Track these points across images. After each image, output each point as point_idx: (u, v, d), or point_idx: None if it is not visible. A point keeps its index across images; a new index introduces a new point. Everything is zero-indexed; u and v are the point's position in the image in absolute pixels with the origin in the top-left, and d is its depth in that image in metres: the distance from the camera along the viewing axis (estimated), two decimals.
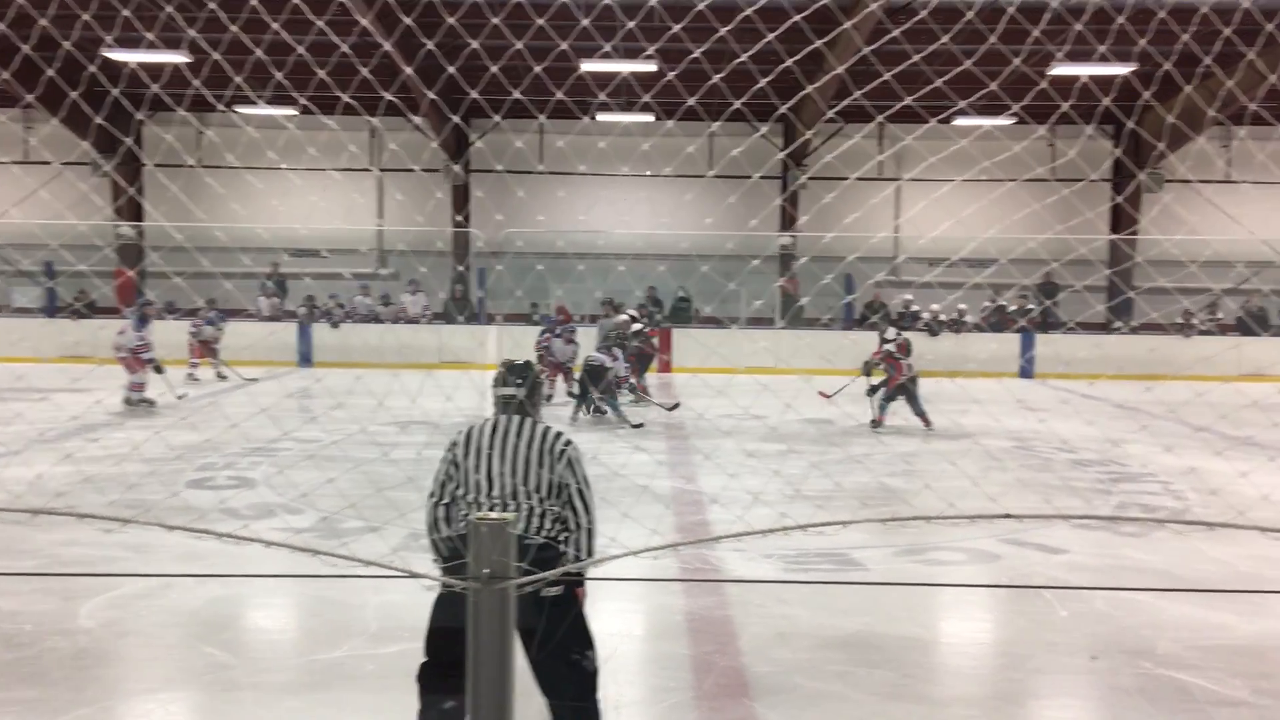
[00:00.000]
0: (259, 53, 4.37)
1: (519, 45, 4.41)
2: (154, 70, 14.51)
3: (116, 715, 4.37)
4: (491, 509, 3.56)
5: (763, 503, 7.57)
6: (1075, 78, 12.23)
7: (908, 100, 4.53)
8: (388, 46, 14.89)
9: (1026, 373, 18.98)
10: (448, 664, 3.15)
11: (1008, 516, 2.36)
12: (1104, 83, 14.88)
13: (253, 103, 16.02)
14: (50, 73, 4.76)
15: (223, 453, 9.81)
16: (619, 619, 5.66)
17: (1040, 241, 15.59)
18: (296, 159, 20.01)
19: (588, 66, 14.77)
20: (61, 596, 5.59)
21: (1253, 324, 19.67)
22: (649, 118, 19.36)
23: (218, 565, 6.15)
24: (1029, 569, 6.59)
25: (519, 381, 3.80)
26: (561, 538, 3.60)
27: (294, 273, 21.86)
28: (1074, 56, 14.40)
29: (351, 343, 19.24)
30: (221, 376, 16.75)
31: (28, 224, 20.42)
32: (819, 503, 7.74)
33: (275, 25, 4.43)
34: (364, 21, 14.88)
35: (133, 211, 22.91)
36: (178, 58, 13.76)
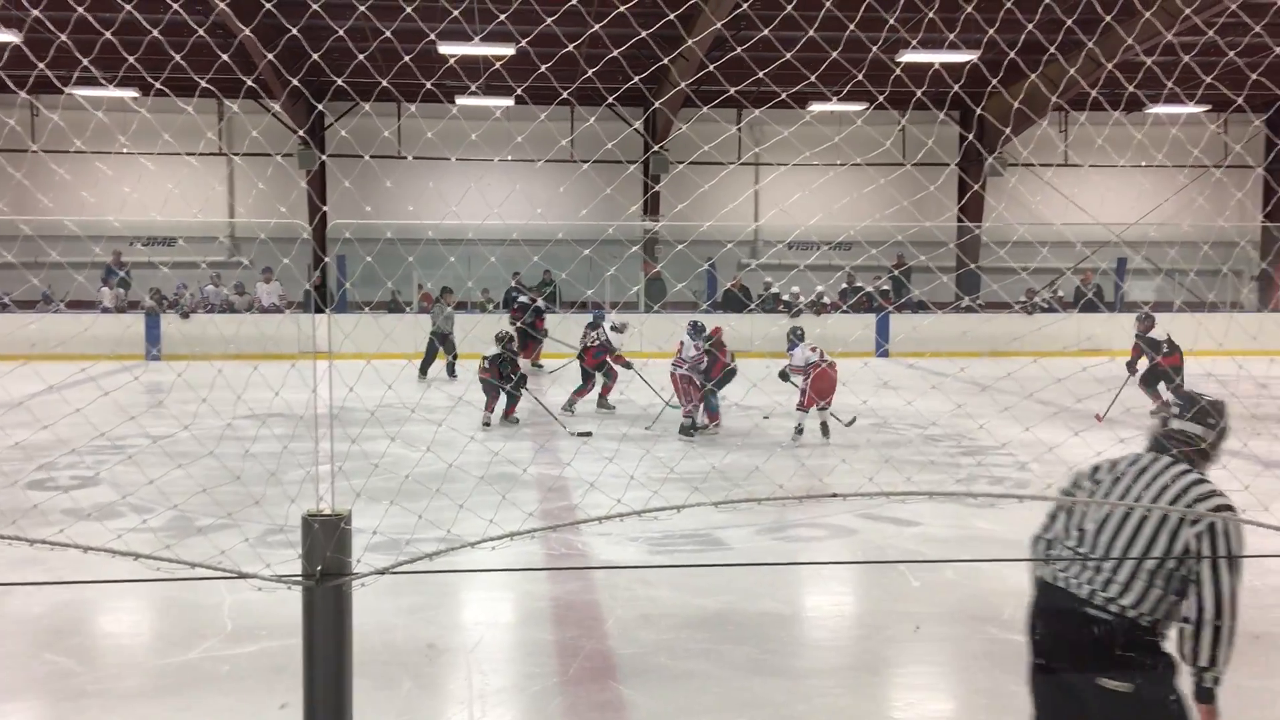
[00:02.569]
0: (107, 35, 4.17)
1: (387, 32, 4.32)
2: None
3: None
4: (1083, 568, 2.91)
5: (637, 485, 7.62)
6: (926, 65, 12.61)
7: (762, 73, 4.61)
8: (247, 32, 14.36)
9: (883, 352, 19.58)
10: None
11: (835, 496, 2.43)
12: (953, 70, 15.40)
13: (98, 85, 15.30)
14: None
15: (67, 448, 9.34)
16: (484, 607, 5.65)
17: (893, 224, 16.09)
18: (148, 145, 19.18)
19: (446, 49, 14.56)
20: None
21: (1093, 301, 20.71)
22: (508, 101, 19.20)
23: (59, 569, 5.87)
24: (884, 542, 6.82)
25: (1210, 422, 2.96)
26: (1162, 628, 2.77)
27: (140, 261, 21.01)
28: (925, 44, 14.89)
29: (204, 333, 18.58)
30: None
31: None
32: (695, 483, 7.83)
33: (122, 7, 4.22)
34: (221, 5, 14.32)
35: None
36: (11, 37, 13.03)
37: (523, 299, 17.21)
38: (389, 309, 19.26)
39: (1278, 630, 5.22)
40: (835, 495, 2.46)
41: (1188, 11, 7.32)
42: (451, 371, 16.14)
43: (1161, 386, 11.72)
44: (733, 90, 5.61)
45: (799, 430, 10.48)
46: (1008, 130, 20.35)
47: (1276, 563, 5.45)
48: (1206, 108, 19.86)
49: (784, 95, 5.85)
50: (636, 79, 4.14)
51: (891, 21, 5.05)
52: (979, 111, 6.14)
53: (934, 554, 6.58)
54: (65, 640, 5.02)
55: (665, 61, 4.52)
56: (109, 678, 4.61)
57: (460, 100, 18.91)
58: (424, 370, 15.97)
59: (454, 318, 16.26)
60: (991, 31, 5.29)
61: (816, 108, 18.17)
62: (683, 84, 17.76)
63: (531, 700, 4.38)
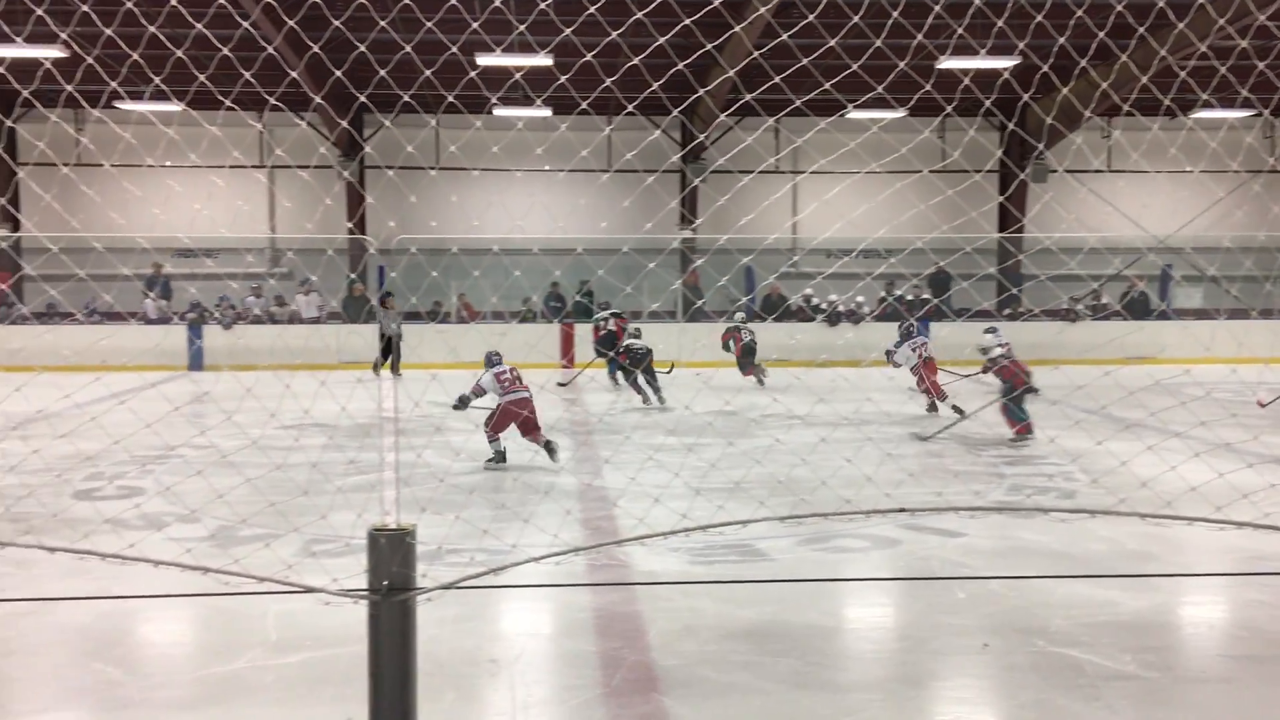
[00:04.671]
0: (135, 55, 4.22)
1: (408, 45, 4.35)
2: (27, 66, 13.95)
3: None
4: None
5: (671, 496, 7.60)
6: (963, 73, 12.53)
7: (799, 101, 4.59)
8: (280, 40, 14.53)
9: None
10: None
11: (902, 510, 2.40)
12: (990, 77, 15.30)
13: (134, 99, 15.52)
14: None
15: (111, 460, 9.46)
16: (525, 617, 5.64)
17: (934, 232, 15.93)
18: (182, 159, 19.44)
19: (483, 61, 14.64)
20: None
21: (1135, 310, 20.44)
22: (546, 113, 19.25)
23: (104, 580, 5.92)
24: (928, 553, 6.75)
25: None
26: None
27: (180, 274, 21.28)
28: (960, 51, 14.78)
29: (244, 345, 18.78)
30: None
31: None
32: (722, 498, 7.80)
33: (147, 26, 4.28)
34: (253, 14, 14.51)
35: (6, 214, 22.00)
36: (51, 53, 13.24)
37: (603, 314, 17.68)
38: (432, 318, 19.40)
39: None
40: (903, 510, 2.43)
41: (1220, 22, 7.21)
42: (376, 368, 17.22)
43: None
44: (774, 119, 5.58)
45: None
46: (1041, 142, 20.14)
47: None
48: (1251, 111, 19.58)
49: (805, 109, 5.81)
50: (702, 90, 4.13)
51: (913, 36, 5.02)
52: (1011, 125, 6.08)
53: (979, 566, 6.50)
54: (111, 650, 5.07)
55: (702, 94, 4.50)
56: (154, 687, 4.64)
57: (498, 111, 18.99)
58: (376, 368, 17.23)
59: (400, 320, 17.89)
60: (1021, 45, 5.25)
61: (854, 116, 18.07)
62: (720, 114, 17.74)
63: (574, 712, 4.36)
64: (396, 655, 2.00)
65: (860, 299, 20.51)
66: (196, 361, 18.99)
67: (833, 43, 4.07)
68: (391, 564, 1.98)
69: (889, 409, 12.40)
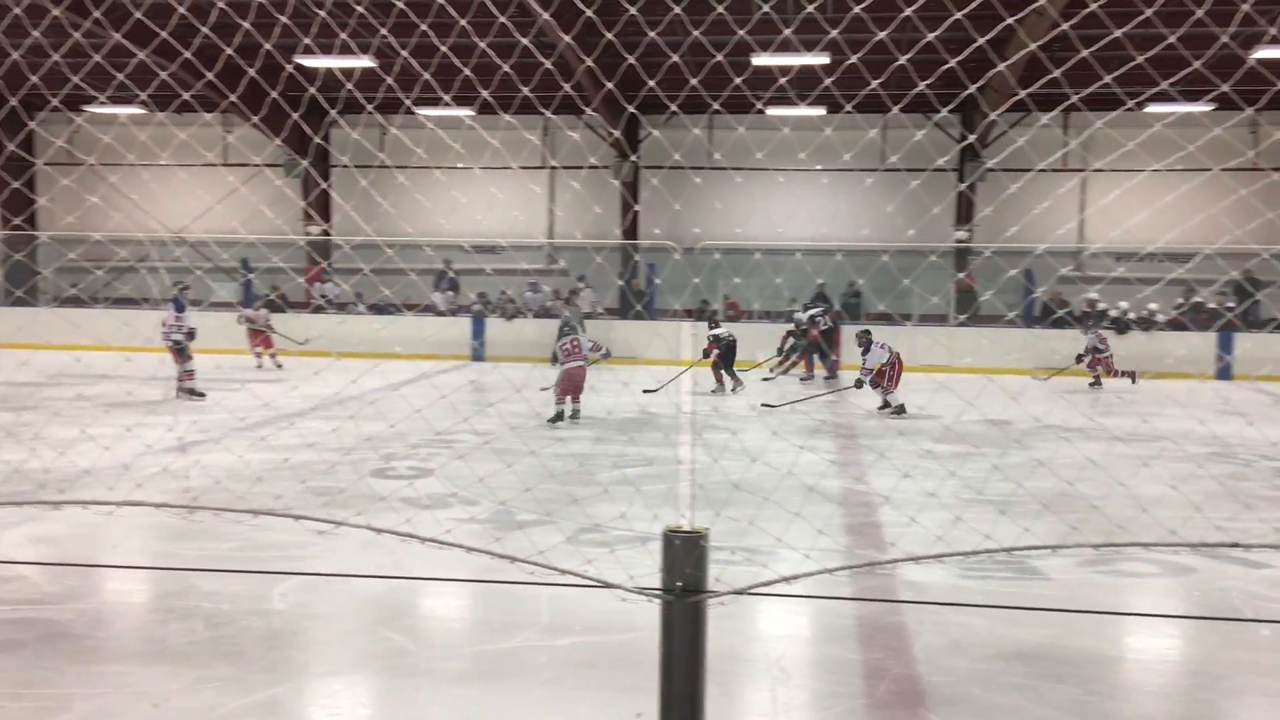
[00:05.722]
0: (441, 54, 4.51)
1: (695, 35, 4.40)
2: (344, 74, 15.20)
3: (306, 695, 4.59)
4: None
5: (939, 505, 7.36)
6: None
7: (1096, 85, 4.30)
8: (567, 40, 15.15)
9: (1224, 374, 17.86)
10: None
11: (1235, 546, 2.20)
12: None
13: (433, 104, 16.59)
14: (252, 74, 5.04)
15: (404, 442, 10.17)
16: (786, 620, 5.60)
17: (1244, 234, 14.63)
18: (476, 159, 20.61)
19: (760, 60, 14.67)
20: (256, 578, 5.90)
21: None
22: (820, 111, 19.09)
23: (397, 553, 6.36)
24: (1226, 584, 6.19)
25: None
26: None
27: (468, 269, 22.59)
28: (1277, 41, 13.46)
29: (522, 337, 19.73)
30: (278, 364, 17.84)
31: (228, 221, 21.67)
32: (1000, 507, 7.47)
33: (461, 23, 4.56)
34: (545, 15, 15.18)
35: (321, 209, 24.11)
36: (365, 62, 14.37)
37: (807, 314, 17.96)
38: (701, 317, 19.69)
39: None
40: (1236, 545, 2.23)
41: None
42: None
43: None
44: (1072, 98, 5.27)
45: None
46: None
47: None
48: None
49: (1121, 94, 5.44)
50: (967, 91, 3.97)
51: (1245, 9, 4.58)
52: None
53: None
54: (400, 620, 5.44)
55: (1001, 66, 4.32)
56: (438, 658, 4.95)
57: (770, 111, 19.01)
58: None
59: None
60: None
61: (1155, 108, 16.82)
62: (1002, 105, 16.98)
63: (837, 719, 4.30)
64: (688, 656, 2.03)
65: (1153, 305, 19.12)
66: (478, 352, 20.12)
67: (1118, 34, 3.79)
68: (685, 565, 2.01)
69: (1187, 424, 11.47)
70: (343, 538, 6.63)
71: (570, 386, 11.68)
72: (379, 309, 20.76)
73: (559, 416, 11.55)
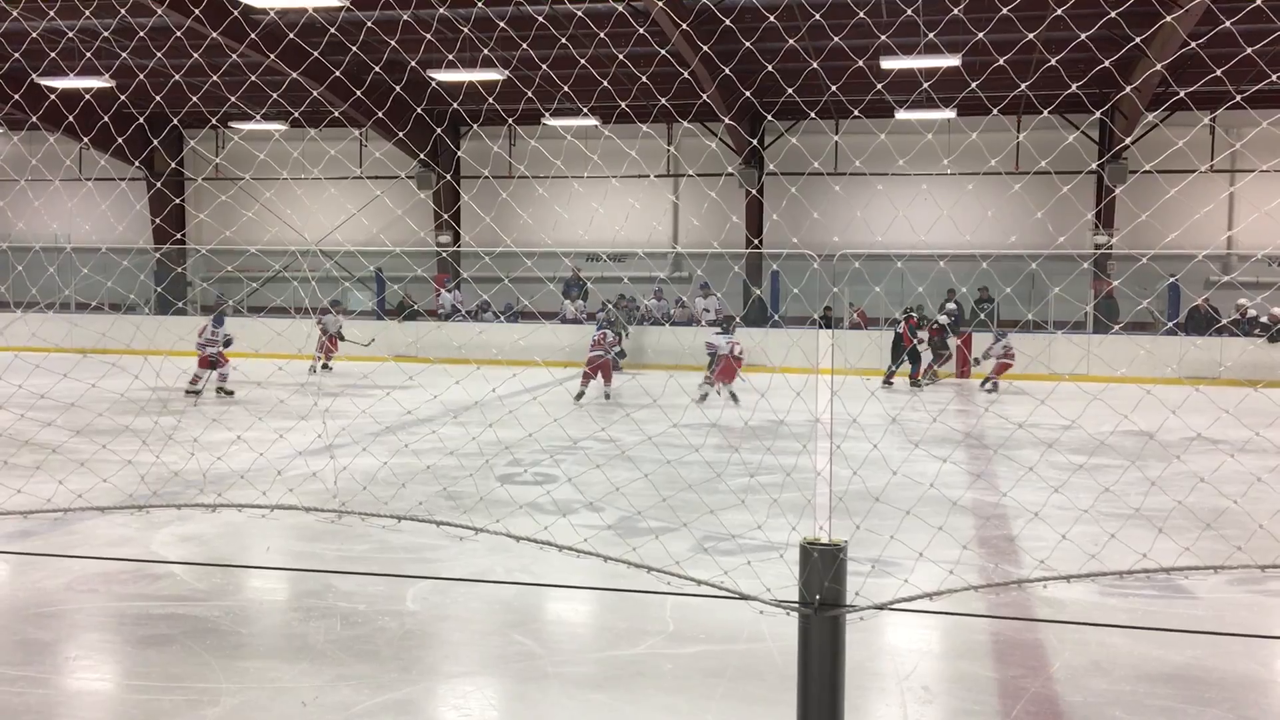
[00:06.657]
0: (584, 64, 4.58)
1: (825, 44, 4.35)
2: (473, 88, 15.54)
3: (438, 696, 4.69)
4: None
5: (1074, 520, 7.10)
6: None
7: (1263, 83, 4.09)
8: (705, 49, 15.20)
9: None
10: None
11: None
12: None
13: (565, 115, 16.83)
14: (398, 90, 5.21)
15: (529, 449, 10.30)
16: (918, 633, 5.48)
17: None
18: (598, 170, 20.81)
19: (889, 64, 14.45)
20: (391, 579, 6.07)
21: None
22: (950, 114, 18.68)
23: (525, 559, 6.45)
24: None
25: None
26: None
27: (594, 276, 22.83)
28: None
29: (643, 344, 19.80)
30: (327, 368, 18.70)
31: (368, 232, 22.37)
32: (1156, 523, 7.15)
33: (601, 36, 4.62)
34: (683, 24, 15.25)
35: (450, 219, 24.67)
36: (495, 75, 14.66)
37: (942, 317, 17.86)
38: (825, 324, 19.49)
39: None
40: None
41: None
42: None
43: None
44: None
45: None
46: None
47: None
48: None
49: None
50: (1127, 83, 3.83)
51: None
52: None
53: None
54: (529, 623, 5.52)
55: (1154, 65, 4.15)
56: (565, 662, 5.00)
57: (900, 115, 18.71)
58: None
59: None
60: None
61: None
62: (1144, 111, 16.34)
63: None
64: (827, 670, 2.01)
65: None
66: (615, 363, 20.30)
67: None
68: (824, 579, 1.98)
69: None
70: (472, 541, 6.76)
71: (594, 371, 14.29)
72: (510, 316, 21.15)
73: (580, 396, 14.25)
